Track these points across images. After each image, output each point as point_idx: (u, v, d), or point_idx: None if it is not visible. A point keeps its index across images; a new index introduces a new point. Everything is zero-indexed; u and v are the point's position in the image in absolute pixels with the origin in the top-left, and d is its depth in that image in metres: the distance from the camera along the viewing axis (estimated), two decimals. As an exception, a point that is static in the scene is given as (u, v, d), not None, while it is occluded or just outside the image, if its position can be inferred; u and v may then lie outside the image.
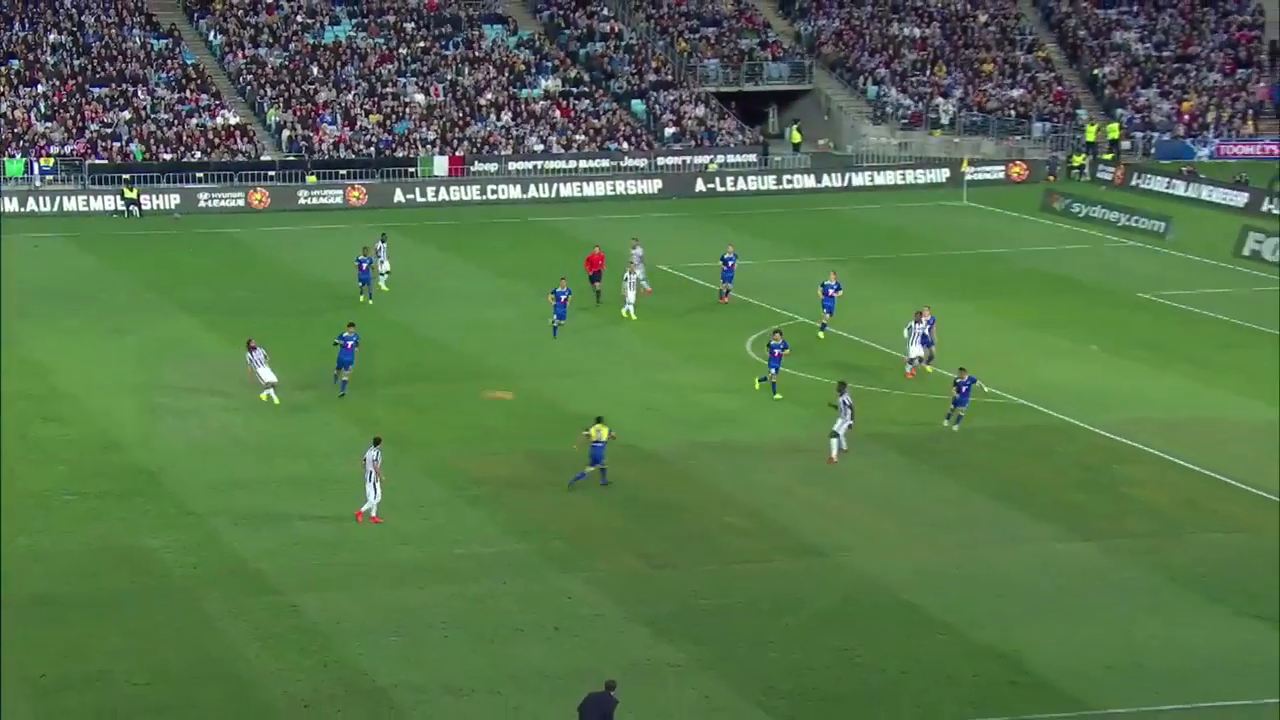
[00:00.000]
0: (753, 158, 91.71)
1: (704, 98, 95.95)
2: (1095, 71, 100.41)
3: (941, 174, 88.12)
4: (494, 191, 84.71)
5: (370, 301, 60.39)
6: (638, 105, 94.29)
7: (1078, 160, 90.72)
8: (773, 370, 49.05)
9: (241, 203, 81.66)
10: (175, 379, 51.26)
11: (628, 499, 41.12)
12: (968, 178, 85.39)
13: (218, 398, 49.08)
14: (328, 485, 41.76)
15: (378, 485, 38.94)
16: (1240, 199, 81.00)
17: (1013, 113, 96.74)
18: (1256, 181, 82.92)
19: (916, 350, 51.18)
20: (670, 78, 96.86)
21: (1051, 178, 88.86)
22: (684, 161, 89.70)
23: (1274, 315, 58.56)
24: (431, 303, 61.28)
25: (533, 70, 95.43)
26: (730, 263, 61.08)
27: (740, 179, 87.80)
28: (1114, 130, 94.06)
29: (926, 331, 51.19)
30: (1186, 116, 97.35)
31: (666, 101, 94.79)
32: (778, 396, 48.68)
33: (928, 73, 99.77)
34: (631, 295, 58.78)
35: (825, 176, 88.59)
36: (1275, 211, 78.11)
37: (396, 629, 33.70)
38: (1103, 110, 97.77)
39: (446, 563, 37.15)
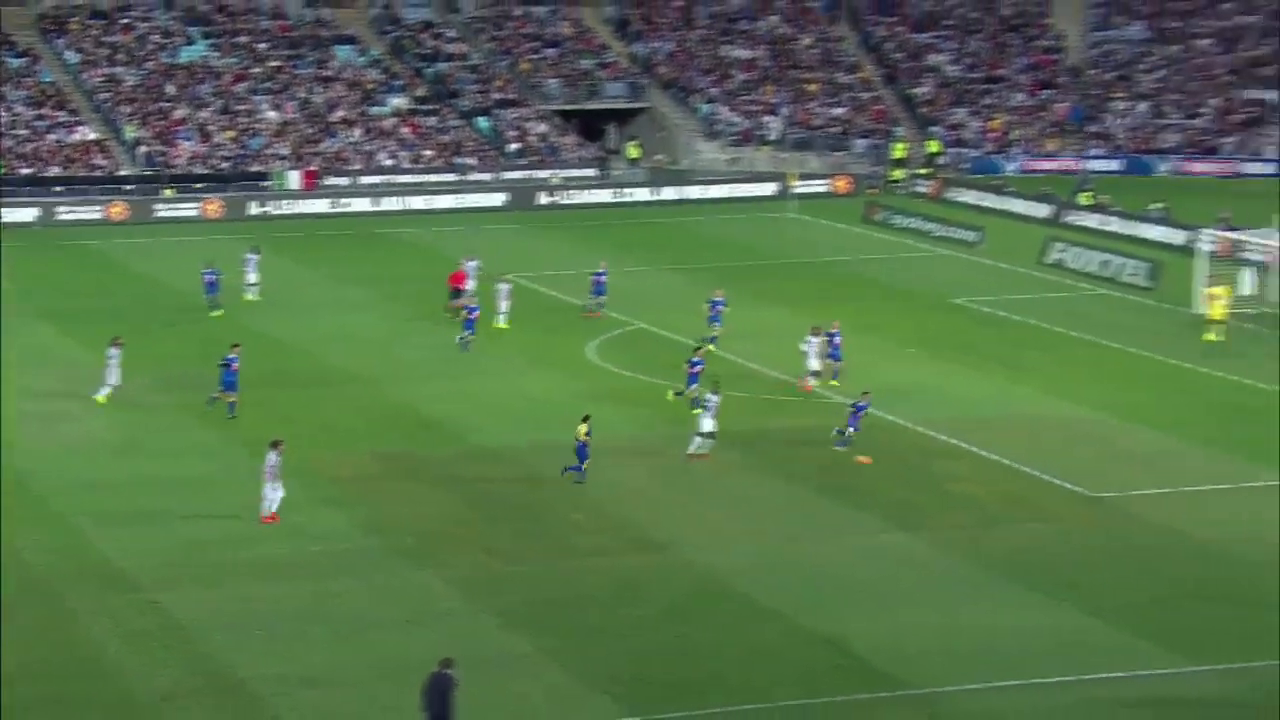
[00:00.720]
0: (592, 172, 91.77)
1: (546, 115, 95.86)
2: (911, 91, 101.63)
3: (770, 187, 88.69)
4: (345, 204, 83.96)
5: (221, 313, 59.36)
6: (483, 122, 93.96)
7: (896, 174, 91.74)
8: (691, 386, 47.88)
9: (100, 215, 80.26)
10: (38, 384, 50.27)
11: (478, 497, 40.92)
12: (795, 191, 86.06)
13: (80, 402, 48.20)
14: (189, 485, 41.16)
15: (278, 485, 38.48)
16: (1044, 210, 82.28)
17: (836, 130, 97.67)
18: (1059, 194, 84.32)
19: (815, 364, 50.17)
20: (514, 96, 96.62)
21: (872, 190, 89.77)
22: (527, 175, 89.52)
23: (1076, 319, 59.36)
24: (289, 311, 60.58)
25: (382, 89, 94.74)
26: (601, 278, 60.12)
27: (581, 192, 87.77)
28: (933, 146, 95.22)
29: (827, 344, 50.36)
30: (995, 134, 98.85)
31: (510, 119, 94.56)
32: (686, 406, 47.72)
33: (756, 92, 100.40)
34: (504, 305, 58.15)
35: (661, 190, 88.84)
36: (1076, 222, 79.44)
37: (257, 624, 33.26)
38: (918, 128, 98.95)
39: (304, 559, 36.73)
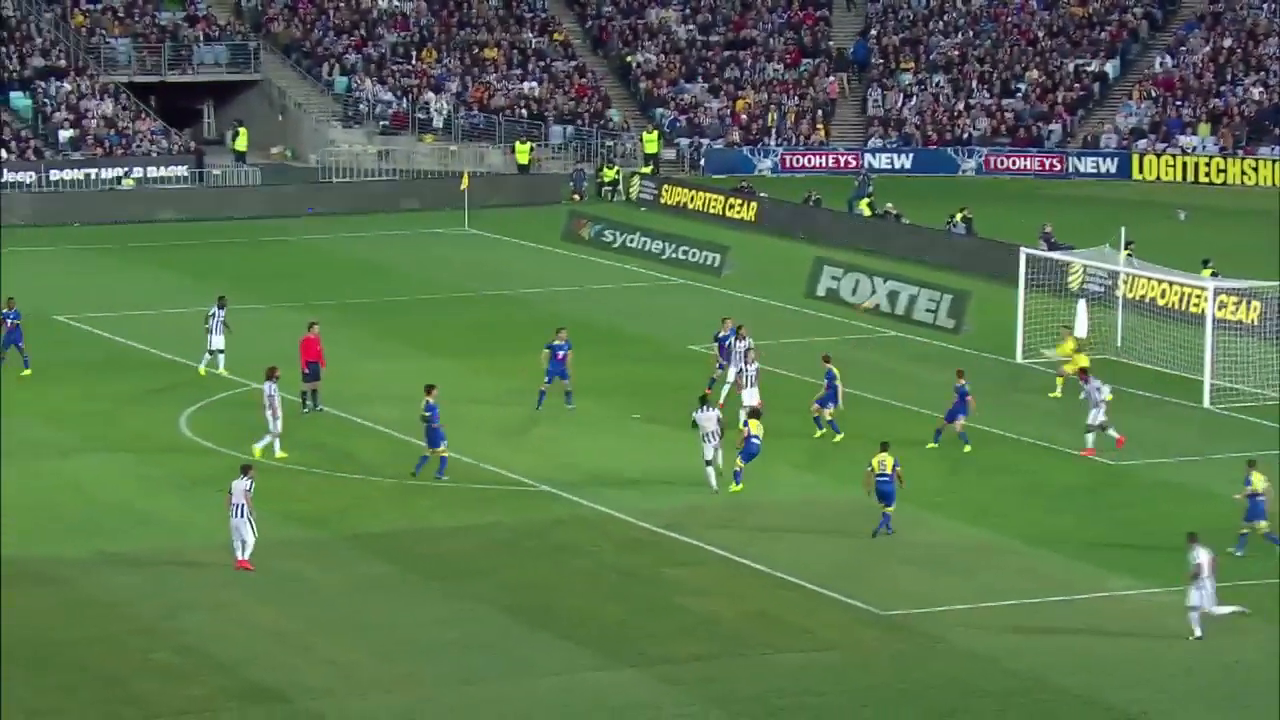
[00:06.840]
0: (183, 170, 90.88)
1: (112, 90, 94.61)
2: (628, 59, 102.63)
3: (436, 192, 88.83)
4: None
5: None
6: (20, 100, 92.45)
7: (609, 174, 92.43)
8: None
9: None
10: None
11: (16, 631, 39.96)
12: (470, 197, 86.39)
13: None
14: None
15: None
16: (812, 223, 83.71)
17: (525, 112, 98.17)
18: (832, 202, 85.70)
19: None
20: (64, 63, 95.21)
21: (576, 197, 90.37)
22: (88, 175, 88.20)
23: (856, 370, 59.98)
24: None
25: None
26: (725, 342, 57.69)
27: (169, 201, 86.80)
28: (651, 142, 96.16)
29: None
30: (743, 118, 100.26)
31: (61, 94, 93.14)
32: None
33: (413, 60, 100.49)
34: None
35: (281, 197, 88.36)
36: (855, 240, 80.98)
37: None
38: (638, 110, 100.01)
39: None
